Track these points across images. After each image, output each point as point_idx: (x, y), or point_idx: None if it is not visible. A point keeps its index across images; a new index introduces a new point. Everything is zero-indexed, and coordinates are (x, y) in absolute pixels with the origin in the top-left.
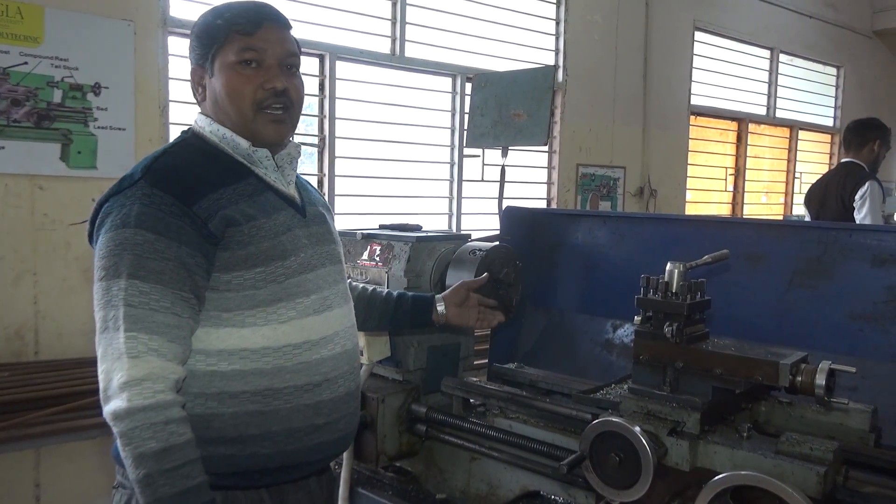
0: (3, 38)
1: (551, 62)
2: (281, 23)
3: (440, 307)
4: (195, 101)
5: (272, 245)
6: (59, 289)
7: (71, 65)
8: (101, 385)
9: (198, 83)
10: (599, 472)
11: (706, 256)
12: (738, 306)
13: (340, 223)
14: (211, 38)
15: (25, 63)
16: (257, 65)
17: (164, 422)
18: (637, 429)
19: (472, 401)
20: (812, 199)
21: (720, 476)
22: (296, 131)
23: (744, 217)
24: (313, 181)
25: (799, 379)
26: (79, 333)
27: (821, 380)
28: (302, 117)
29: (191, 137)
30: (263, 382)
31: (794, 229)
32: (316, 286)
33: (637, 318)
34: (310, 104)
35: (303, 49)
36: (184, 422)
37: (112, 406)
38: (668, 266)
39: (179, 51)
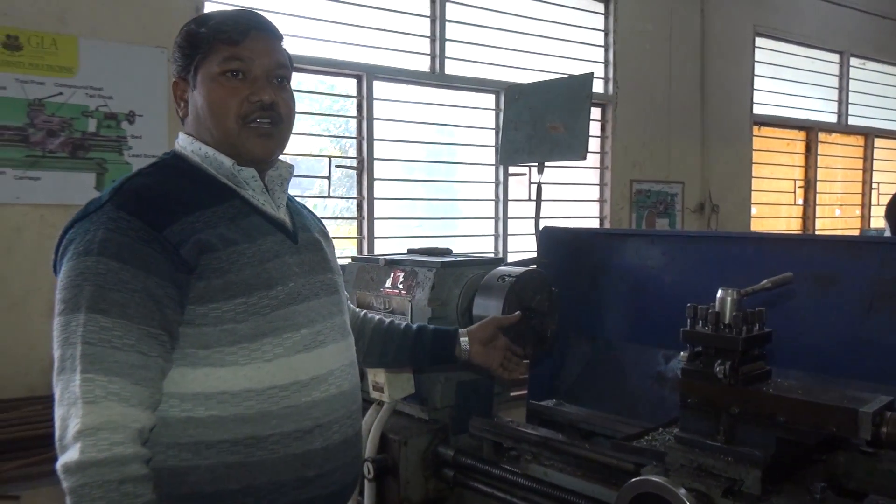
0: (38, 69)
1: (600, 75)
2: (270, 32)
3: (464, 343)
4: (178, 117)
5: (255, 273)
6: None
7: (105, 94)
8: (57, 434)
9: (180, 97)
10: None
11: (765, 281)
12: (807, 337)
13: (380, 248)
14: (193, 47)
15: (60, 94)
16: (243, 76)
17: (119, 480)
18: (682, 492)
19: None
20: (893, 210)
21: None
22: (331, 153)
23: (813, 233)
24: (352, 205)
25: (884, 430)
26: None
27: None
28: (340, 139)
29: (171, 158)
30: (245, 430)
31: (873, 246)
32: (307, 319)
33: (683, 355)
34: (346, 125)
35: (340, 70)
36: (144, 481)
37: (64, 458)
38: (720, 293)
39: None
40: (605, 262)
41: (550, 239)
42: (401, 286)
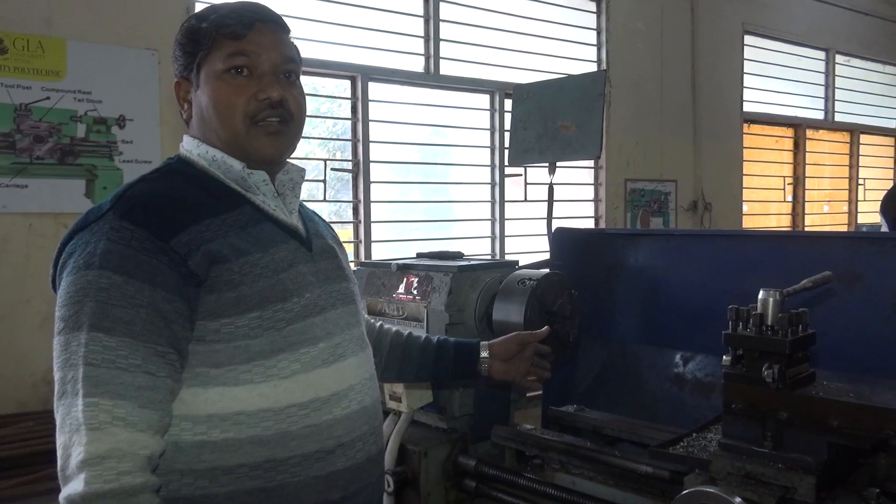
0: (24, 73)
1: None
2: (276, 23)
3: (484, 359)
4: (182, 119)
5: (269, 284)
6: None
7: (94, 98)
8: (59, 463)
9: (183, 98)
10: None
11: (806, 281)
12: (832, 336)
13: (378, 252)
14: (195, 43)
15: (48, 98)
16: (249, 72)
17: None
18: (738, 500)
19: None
20: (889, 206)
21: None
22: (324, 156)
23: (836, 231)
24: (341, 209)
25: None
26: None
27: None
28: (335, 142)
29: (176, 163)
30: (264, 453)
31: None
32: (325, 332)
33: (726, 358)
34: (335, 127)
35: (333, 71)
36: None
37: (68, 490)
38: (762, 294)
39: None
40: (618, 262)
41: (563, 240)
42: (415, 292)
